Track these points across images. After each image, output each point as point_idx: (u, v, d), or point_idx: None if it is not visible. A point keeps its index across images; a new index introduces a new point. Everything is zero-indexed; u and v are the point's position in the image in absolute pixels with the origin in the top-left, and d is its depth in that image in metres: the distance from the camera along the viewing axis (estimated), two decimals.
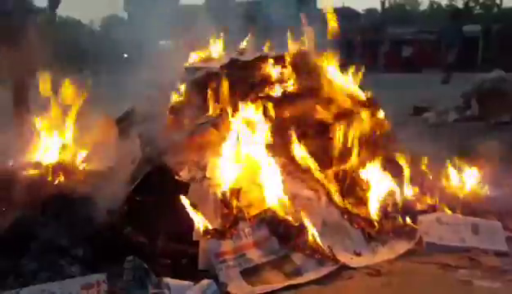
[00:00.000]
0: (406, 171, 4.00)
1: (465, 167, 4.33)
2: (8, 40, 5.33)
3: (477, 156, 4.55)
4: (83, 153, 3.73)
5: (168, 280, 2.72)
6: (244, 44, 4.52)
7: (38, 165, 3.68)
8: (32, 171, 3.62)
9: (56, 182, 3.50)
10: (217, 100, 3.77)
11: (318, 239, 3.23)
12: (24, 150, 3.85)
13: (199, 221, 3.11)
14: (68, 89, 3.88)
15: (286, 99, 3.93)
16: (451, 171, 4.30)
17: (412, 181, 4.03)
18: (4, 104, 5.92)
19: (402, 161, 4.02)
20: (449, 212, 3.78)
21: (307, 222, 3.29)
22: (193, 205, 3.17)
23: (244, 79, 3.97)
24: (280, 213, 3.31)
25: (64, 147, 3.82)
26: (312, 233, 3.25)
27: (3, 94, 5.97)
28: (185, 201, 3.10)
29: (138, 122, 3.69)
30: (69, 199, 3.29)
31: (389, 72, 21.97)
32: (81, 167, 3.64)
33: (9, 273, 2.85)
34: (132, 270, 2.68)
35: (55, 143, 3.88)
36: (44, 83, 3.93)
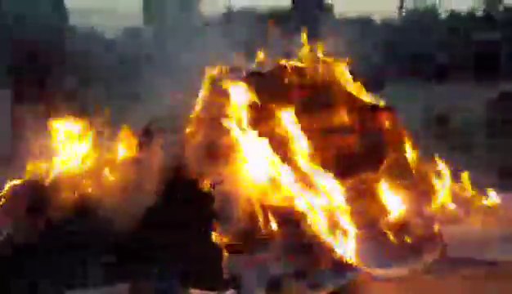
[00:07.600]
0: (433, 182, 3.95)
1: (495, 179, 4.26)
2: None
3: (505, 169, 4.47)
4: (107, 164, 3.77)
5: (193, 291, 2.74)
6: (261, 55, 4.53)
7: (64, 174, 3.74)
8: (59, 180, 3.68)
9: (82, 191, 3.55)
10: (239, 108, 3.78)
11: (338, 251, 3.22)
12: (49, 159, 3.91)
13: (221, 235, 3.12)
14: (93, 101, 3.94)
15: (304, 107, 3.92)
16: (480, 183, 4.24)
17: (438, 192, 3.97)
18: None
19: (428, 171, 3.97)
20: (476, 225, 3.73)
21: (329, 233, 3.28)
22: (215, 216, 3.18)
23: (264, 89, 3.96)
24: (304, 225, 3.30)
25: (88, 157, 3.86)
26: (333, 244, 3.24)
27: None
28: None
29: (161, 133, 3.71)
30: (95, 208, 3.34)
31: None
32: (105, 177, 3.67)
33: (37, 276, 2.90)
34: (159, 280, 2.70)
35: (80, 153, 3.92)
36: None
